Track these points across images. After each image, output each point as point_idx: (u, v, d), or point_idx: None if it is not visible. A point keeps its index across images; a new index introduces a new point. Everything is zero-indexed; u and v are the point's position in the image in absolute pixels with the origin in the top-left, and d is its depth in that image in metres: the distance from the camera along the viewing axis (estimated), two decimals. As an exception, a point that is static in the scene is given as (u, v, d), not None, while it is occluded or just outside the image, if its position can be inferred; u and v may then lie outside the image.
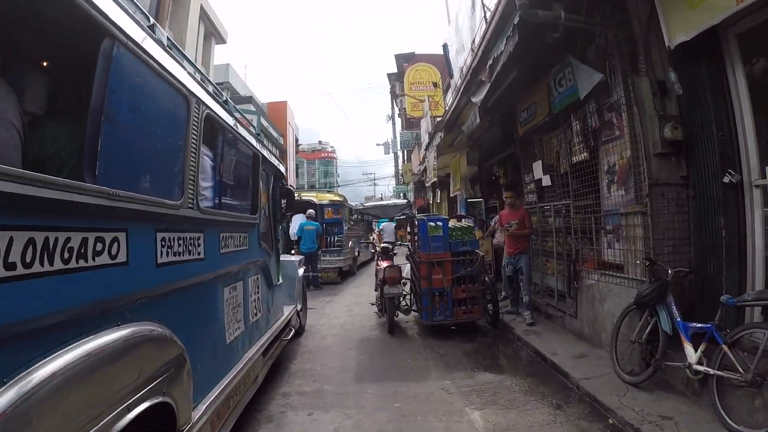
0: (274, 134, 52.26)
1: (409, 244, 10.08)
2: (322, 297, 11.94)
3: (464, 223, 8.34)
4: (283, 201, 7.03)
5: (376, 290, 9.05)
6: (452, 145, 14.49)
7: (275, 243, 6.21)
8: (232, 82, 46.14)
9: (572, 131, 6.99)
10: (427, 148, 16.23)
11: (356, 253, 16.87)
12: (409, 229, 10.10)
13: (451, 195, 18.01)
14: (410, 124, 36.87)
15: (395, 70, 48.37)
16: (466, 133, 10.28)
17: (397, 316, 8.14)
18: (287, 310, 6.85)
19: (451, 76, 15.41)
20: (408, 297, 8.48)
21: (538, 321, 7.61)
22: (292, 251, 13.68)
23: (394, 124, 49.42)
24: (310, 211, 13.41)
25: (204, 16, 31.93)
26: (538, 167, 8.17)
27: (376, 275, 8.96)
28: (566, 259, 7.19)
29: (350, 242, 15.65)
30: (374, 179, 58.62)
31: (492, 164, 14.83)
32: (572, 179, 7.08)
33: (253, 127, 6.28)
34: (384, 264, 8.64)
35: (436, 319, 7.36)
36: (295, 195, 7.33)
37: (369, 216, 8.01)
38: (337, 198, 14.90)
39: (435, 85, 21.76)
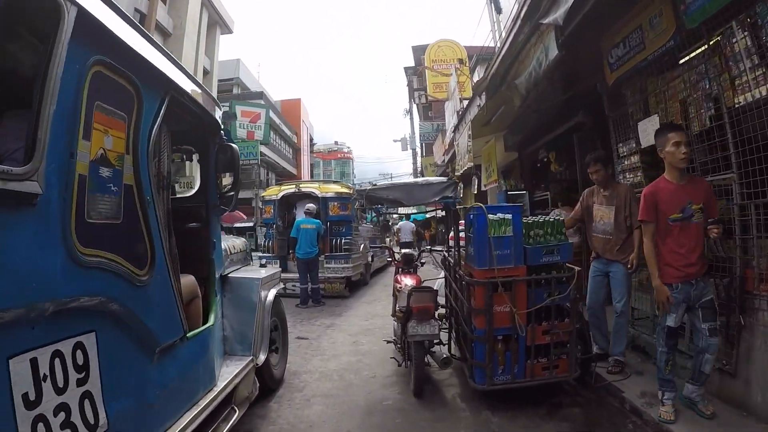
0: (287, 132, 49.78)
1: (442, 249, 6.94)
2: (321, 318, 8.84)
3: (556, 213, 5.22)
4: (225, 172, 4.01)
5: (394, 318, 5.94)
6: (489, 124, 11.46)
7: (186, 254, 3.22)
8: (242, 77, 43.63)
9: (726, 54, 3.87)
10: (456, 130, 13.09)
11: (369, 259, 13.73)
12: (431, 228, 7.16)
13: (484, 188, 14.86)
14: (428, 116, 33.95)
15: (412, 64, 45.72)
16: (523, 91, 7.12)
17: (428, 365, 5.01)
18: (233, 369, 3.80)
19: (499, 11, 12.26)
20: (444, 332, 5.35)
21: (644, 369, 4.54)
22: (289, 254, 10.65)
23: (411, 118, 46.47)
24: (310, 205, 10.36)
25: (207, 3, 29.49)
26: (650, 125, 4.97)
27: (395, 297, 5.86)
28: (720, 276, 4.04)
29: (362, 245, 12.53)
30: (391, 177, 55.43)
31: (537, 148, 11.72)
32: (734, 136, 3.93)
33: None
34: (407, 281, 5.53)
35: (498, 380, 4.19)
36: (238, 153, 4.13)
37: (384, 205, 4.86)
38: (344, 189, 11.80)
39: (461, 62, 18.60)
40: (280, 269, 5.79)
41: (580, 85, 7.71)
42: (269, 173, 42.67)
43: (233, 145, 3.96)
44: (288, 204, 12.10)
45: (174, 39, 24.27)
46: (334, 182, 12.91)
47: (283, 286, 5.65)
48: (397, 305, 5.29)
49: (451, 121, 16.35)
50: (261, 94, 40.79)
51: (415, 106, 46.03)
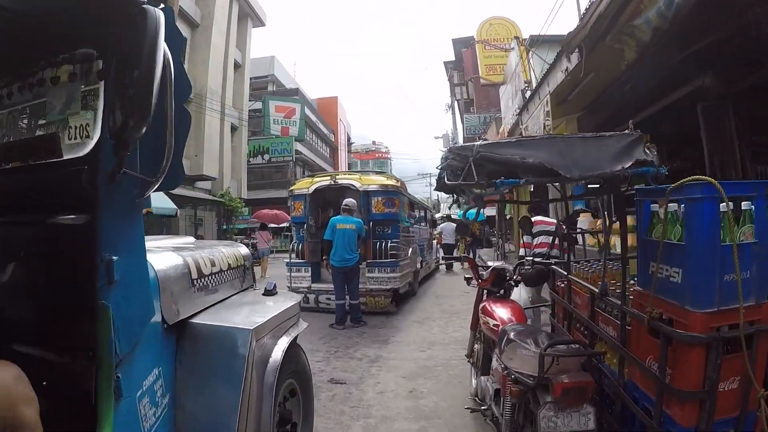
0: (324, 130, 48.04)
1: (552, 263, 4.67)
2: (362, 347, 6.68)
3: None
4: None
5: (470, 361, 3.70)
6: (565, 102, 9.28)
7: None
8: (277, 75, 42.02)
9: None
10: (523, 111, 10.80)
11: (418, 265, 11.51)
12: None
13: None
14: (470, 111, 31.51)
15: (452, 58, 43.33)
16: (646, 35, 4.83)
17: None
18: None
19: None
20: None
21: None
22: (323, 261, 8.57)
23: (453, 114, 44.10)
24: (349, 200, 8.20)
25: (238, -6, 28.14)
26: None
27: (477, 336, 3.68)
28: None
29: (410, 249, 10.33)
30: (430, 177, 52.96)
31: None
32: None
33: None
34: (502, 313, 3.49)
35: None
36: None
37: (500, 185, 2.95)
38: (390, 182, 9.56)
39: (517, 40, 16.16)
40: (300, 300, 3.53)
41: (711, 34, 5.36)
42: (305, 172, 40.98)
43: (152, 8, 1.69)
44: (322, 200, 9.98)
45: (202, 29, 22.64)
46: (378, 173, 10.60)
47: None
48: (500, 362, 3.07)
49: (511, 105, 14.02)
50: (296, 91, 39.13)
51: (456, 101, 43.80)
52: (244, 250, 3.51)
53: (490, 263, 4.41)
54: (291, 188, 9.89)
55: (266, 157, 30.64)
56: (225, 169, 24.01)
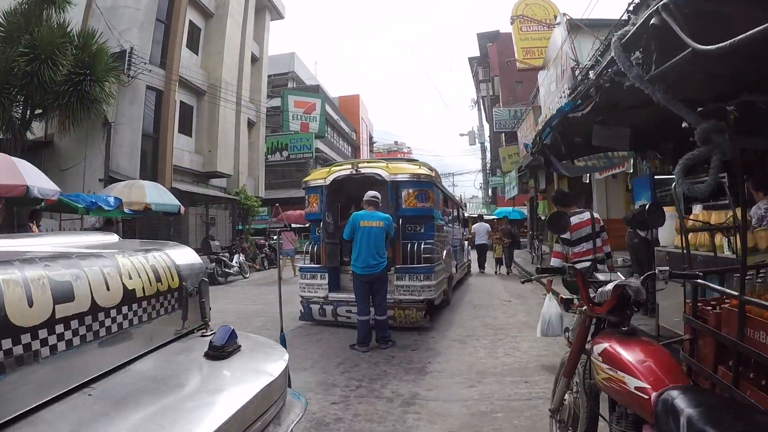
0: (346, 128, 46.67)
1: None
2: (391, 379, 5.11)
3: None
4: None
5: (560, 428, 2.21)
6: None
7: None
8: (297, 71, 40.77)
9: None
10: (575, 92, 9.15)
11: (453, 270, 9.92)
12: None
13: (603, 175, 10.81)
14: (493, 103, 29.73)
15: (477, 53, 41.63)
16: None
17: None
18: None
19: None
20: None
21: None
22: (342, 265, 7.09)
23: (480, 110, 42.41)
24: (371, 194, 6.63)
25: (255, -14, 26.85)
26: None
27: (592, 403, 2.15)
28: None
29: (445, 251, 8.76)
30: (453, 176, 51.24)
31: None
32: None
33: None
34: (646, 365, 1.84)
35: None
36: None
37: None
38: (423, 171, 7.97)
39: (563, 16, 14.46)
40: (286, 364, 1.92)
41: None
42: (326, 171, 39.57)
43: None
44: (342, 193, 8.46)
45: (217, 19, 21.33)
46: (408, 161, 8.94)
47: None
48: None
49: (555, 89, 12.37)
50: (317, 88, 37.85)
51: (482, 97, 42.08)
52: (185, 257, 1.98)
53: (600, 276, 2.84)
54: (305, 179, 8.37)
55: (285, 153, 29.31)
56: (241, 166, 22.68)
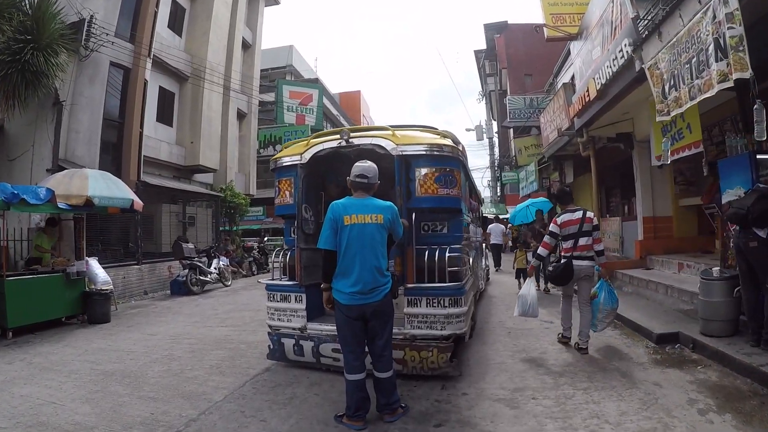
0: (346, 125, 44.20)
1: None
2: None
3: None
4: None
5: None
6: None
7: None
8: (296, 65, 38.24)
9: None
10: (645, 42, 6.70)
11: (481, 284, 7.41)
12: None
13: (660, 161, 8.37)
14: (503, 103, 26.96)
15: (484, 46, 39.10)
16: None
17: None
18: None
19: None
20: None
21: None
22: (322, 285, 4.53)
23: (489, 104, 39.93)
24: (362, 167, 3.99)
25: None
26: None
27: None
28: None
29: (471, 260, 6.30)
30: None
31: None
32: None
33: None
34: None
35: None
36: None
37: None
38: (445, 141, 5.18)
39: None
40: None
41: None
42: (325, 168, 37.07)
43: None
44: (328, 175, 6.01)
45: (203, -2, 18.91)
46: (423, 128, 6.17)
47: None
48: None
49: (599, 55, 9.93)
50: (316, 81, 35.34)
51: (490, 93, 39.59)
52: None
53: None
54: (274, 156, 5.82)
55: (279, 148, 26.78)
56: (230, 161, 20.22)
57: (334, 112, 38.36)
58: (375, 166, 3.99)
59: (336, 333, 4.10)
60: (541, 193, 18.84)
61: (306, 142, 5.47)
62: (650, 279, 8.60)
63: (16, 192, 7.55)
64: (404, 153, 4.86)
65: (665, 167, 9.70)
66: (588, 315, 5.70)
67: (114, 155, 12.88)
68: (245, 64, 23.40)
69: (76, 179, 8.91)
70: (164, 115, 17.28)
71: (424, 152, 4.93)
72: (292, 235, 5.53)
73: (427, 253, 4.82)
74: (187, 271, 12.48)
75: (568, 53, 17.63)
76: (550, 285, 9.82)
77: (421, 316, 4.68)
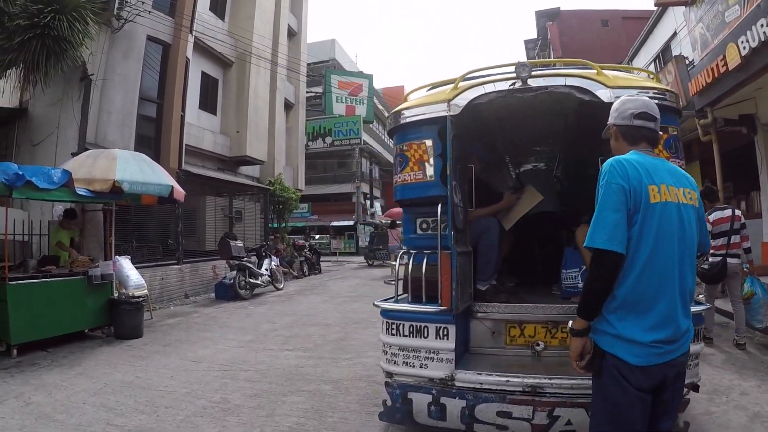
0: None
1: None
2: None
3: None
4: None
5: None
6: None
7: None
8: (338, 59, 36.47)
9: None
10: None
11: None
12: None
13: None
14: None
15: (534, 35, 36.51)
16: None
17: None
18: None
19: None
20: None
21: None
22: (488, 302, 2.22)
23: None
24: (642, 100, 2.01)
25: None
26: None
27: None
28: None
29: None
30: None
31: None
32: None
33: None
34: None
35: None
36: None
37: None
38: (663, 86, 3.06)
39: None
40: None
41: None
42: (372, 164, 35.16)
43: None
44: (485, 137, 3.92)
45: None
46: (625, 67, 3.74)
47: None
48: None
49: (719, 23, 7.59)
50: (360, 74, 33.49)
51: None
52: None
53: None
54: (398, 108, 3.65)
55: (328, 140, 24.87)
56: (277, 153, 18.42)
57: (379, 107, 36.45)
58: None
59: (502, 388, 2.54)
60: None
61: (453, 85, 3.33)
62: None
63: (20, 173, 5.69)
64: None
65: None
66: (742, 311, 5.53)
67: (152, 140, 11.07)
68: (291, 51, 21.61)
69: (101, 160, 7.06)
70: (208, 103, 15.55)
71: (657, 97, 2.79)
72: (419, 231, 3.45)
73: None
74: (234, 272, 10.59)
75: (648, 32, 15.29)
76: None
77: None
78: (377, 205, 32.56)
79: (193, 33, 12.40)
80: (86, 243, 7.91)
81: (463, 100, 3.20)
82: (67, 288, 6.41)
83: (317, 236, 22.41)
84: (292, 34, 21.99)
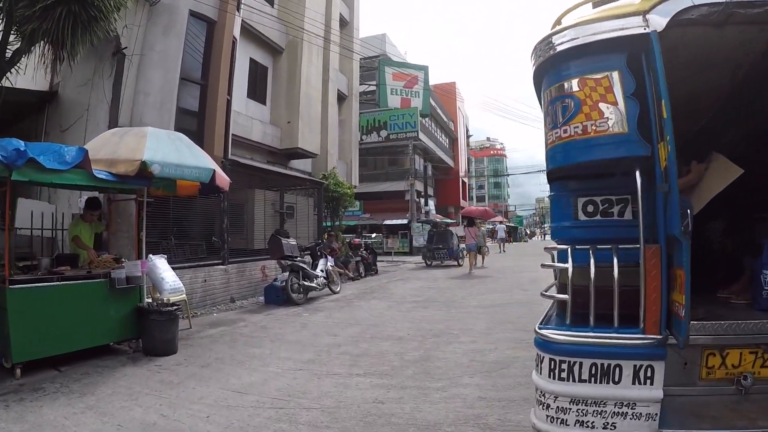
0: (444, 118, 40.37)
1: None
2: None
3: None
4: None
5: None
6: None
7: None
8: (390, 53, 35.21)
9: None
10: None
11: None
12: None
13: None
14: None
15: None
16: None
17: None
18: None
19: None
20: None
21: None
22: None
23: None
24: None
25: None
26: None
27: None
28: None
29: None
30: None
31: None
32: None
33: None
34: None
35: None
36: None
37: None
38: None
39: None
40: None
41: None
42: (426, 161, 33.54)
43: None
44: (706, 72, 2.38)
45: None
46: None
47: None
48: None
49: None
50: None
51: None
52: None
53: None
54: (556, 30, 2.12)
55: (383, 133, 23.49)
56: (330, 146, 17.15)
57: (432, 103, 34.86)
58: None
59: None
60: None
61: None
62: None
63: (22, 149, 4.40)
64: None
65: None
66: None
67: (194, 125, 9.84)
68: (343, 41, 20.36)
69: (129, 138, 5.75)
70: (256, 91, 14.38)
71: None
72: (582, 216, 2.09)
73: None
74: (287, 274, 9.21)
75: None
76: None
77: None
78: (431, 203, 30.94)
79: (241, 10, 11.17)
80: (115, 240, 6.64)
81: (671, 7, 1.86)
82: (84, 293, 5.11)
83: (373, 235, 21.02)
84: (344, 23, 20.74)
